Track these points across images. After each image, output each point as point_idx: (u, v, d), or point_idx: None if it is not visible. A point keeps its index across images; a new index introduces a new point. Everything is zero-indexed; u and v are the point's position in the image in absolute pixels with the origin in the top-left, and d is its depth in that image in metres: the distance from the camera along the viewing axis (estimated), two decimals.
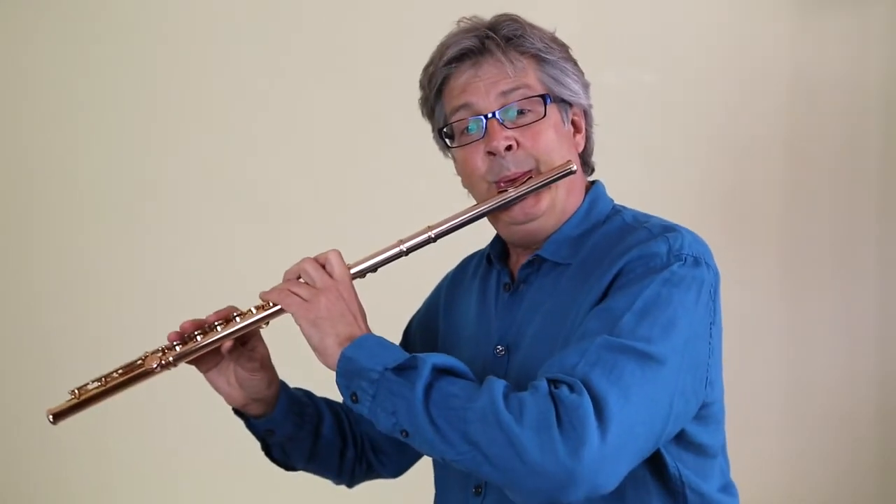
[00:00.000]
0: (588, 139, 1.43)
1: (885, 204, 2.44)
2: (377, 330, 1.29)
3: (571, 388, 1.13)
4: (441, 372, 1.19)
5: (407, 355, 1.20)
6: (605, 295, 1.26)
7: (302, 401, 1.49)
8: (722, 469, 1.36)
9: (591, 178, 1.46)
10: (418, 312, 1.63)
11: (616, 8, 2.56)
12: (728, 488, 1.36)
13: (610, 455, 1.11)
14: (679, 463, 1.28)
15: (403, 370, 1.18)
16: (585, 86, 1.42)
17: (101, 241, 2.78)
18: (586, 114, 1.43)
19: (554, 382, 1.15)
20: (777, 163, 2.48)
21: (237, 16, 2.71)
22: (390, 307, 1.62)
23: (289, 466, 1.53)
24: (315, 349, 1.25)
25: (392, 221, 2.42)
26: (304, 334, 1.25)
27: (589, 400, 1.12)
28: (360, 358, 1.20)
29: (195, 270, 2.69)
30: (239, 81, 2.71)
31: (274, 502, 2.50)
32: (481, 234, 1.52)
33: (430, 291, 1.64)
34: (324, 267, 1.30)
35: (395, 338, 1.59)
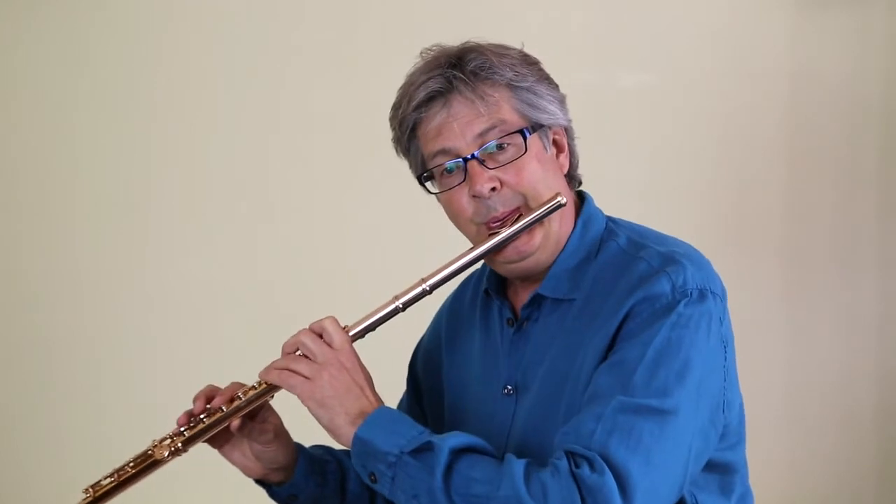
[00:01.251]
0: (572, 154, 1.38)
1: (885, 204, 2.44)
2: (381, 379, 1.27)
3: (592, 466, 1.11)
4: (460, 452, 1.17)
5: (423, 436, 1.18)
6: (612, 340, 1.24)
7: (323, 459, 1.46)
8: (743, 479, 1.35)
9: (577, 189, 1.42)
10: (421, 343, 1.59)
11: (615, 8, 2.52)
12: (745, 497, 1.35)
13: None
14: (700, 492, 1.27)
15: (421, 452, 1.16)
16: (562, 101, 1.36)
17: (101, 242, 2.74)
18: (567, 130, 1.37)
19: (574, 459, 1.13)
20: (777, 163, 2.47)
21: (241, 15, 2.67)
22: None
23: None
24: (326, 429, 1.23)
25: (398, 226, 2.49)
26: (312, 414, 1.23)
27: (611, 477, 1.11)
28: (374, 439, 1.18)
29: (195, 272, 2.66)
30: (240, 81, 2.67)
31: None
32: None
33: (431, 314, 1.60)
34: (321, 337, 1.26)
35: (399, 382, 1.59)
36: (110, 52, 2.71)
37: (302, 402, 1.23)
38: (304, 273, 2.57)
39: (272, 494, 1.44)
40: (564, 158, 1.36)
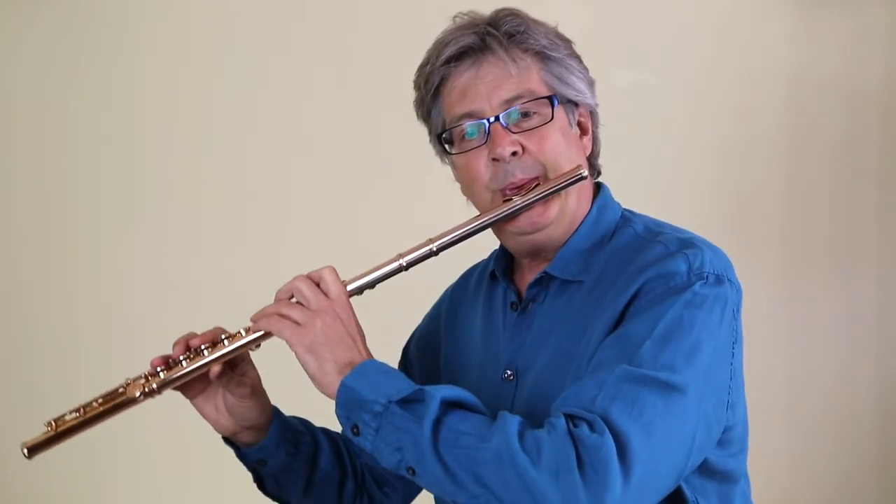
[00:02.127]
0: (595, 141, 1.36)
1: (884, 203, 2.43)
2: (376, 352, 1.22)
3: (592, 427, 1.05)
4: (450, 405, 1.11)
5: (413, 386, 1.12)
6: (621, 317, 1.18)
7: (297, 429, 1.41)
8: (744, 492, 1.30)
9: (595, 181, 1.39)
10: (417, 329, 1.55)
11: (615, 8, 2.52)
12: None
13: (633, 498, 1.05)
14: (700, 496, 1.21)
15: (409, 403, 1.10)
16: (591, 83, 1.35)
17: (97, 244, 2.72)
18: (592, 114, 1.36)
19: (572, 419, 1.07)
20: (776, 163, 2.46)
21: (238, 15, 2.68)
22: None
23: (284, 500, 1.44)
24: (312, 377, 1.16)
25: (399, 225, 2.45)
26: (299, 361, 1.17)
27: (611, 439, 1.04)
28: (361, 388, 1.12)
29: (189, 274, 2.65)
30: (239, 82, 2.67)
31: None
32: (480, 248, 1.46)
33: (430, 307, 1.56)
34: (318, 285, 1.21)
35: (394, 360, 1.53)
36: (107, 52, 2.71)
37: (291, 348, 1.17)
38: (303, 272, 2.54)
39: (240, 456, 1.38)
40: (588, 141, 1.34)
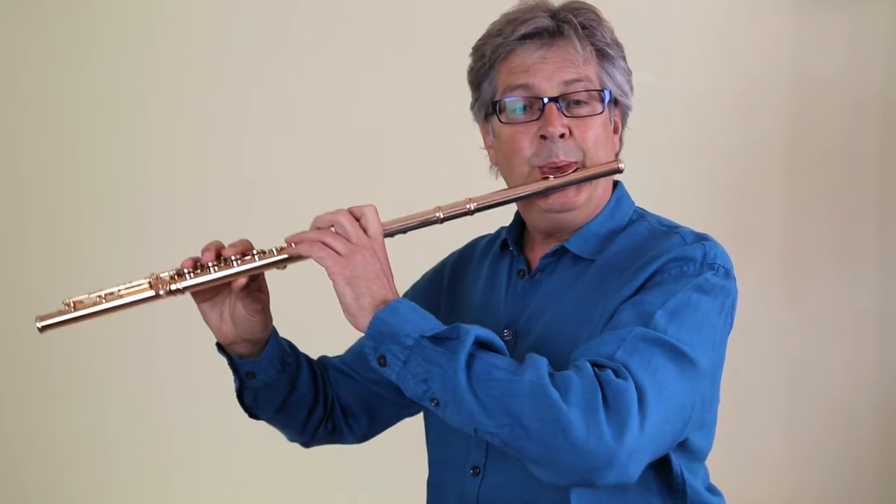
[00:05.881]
0: (620, 140, 1.44)
1: (885, 203, 2.43)
2: None
3: (616, 373, 1.13)
4: (482, 345, 1.17)
5: (444, 326, 1.18)
6: (638, 290, 1.26)
7: (285, 349, 1.43)
8: (705, 472, 1.39)
9: None
10: (416, 285, 1.59)
11: (615, 8, 2.49)
12: (712, 489, 1.39)
13: (645, 444, 1.12)
14: (676, 458, 1.30)
15: (442, 340, 1.16)
16: (632, 87, 1.42)
17: (100, 240, 2.73)
18: (625, 115, 1.42)
19: (598, 366, 1.14)
20: (776, 163, 2.47)
21: (240, 12, 2.65)
22: None
23: (254, 415, 1.47)
24: (346, 308, 1.21)
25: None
26: (336, 290, 1.21)
27: (633, 386, 1.12)
28: (394, 322, 1.17)
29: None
30: (241, 79, 2.65)
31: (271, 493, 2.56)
32: (478, 227, 1.52)
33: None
34: (358, 221, 1.25)
35: None
36: (108, 51, 2.70)
37: (329, 275, 1.21)
38: (304, 271, 2.51)
39: (232, 365, 1.40)
40: (617, 139, 1.41)
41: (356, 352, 1.55)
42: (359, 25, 2.61)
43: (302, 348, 1.49)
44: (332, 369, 1.54)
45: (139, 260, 2.55)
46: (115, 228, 2.73)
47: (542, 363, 1.14)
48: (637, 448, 1.11)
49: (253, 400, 1.43)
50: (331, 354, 1.58)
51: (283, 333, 1.44)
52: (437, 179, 2.30)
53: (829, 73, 2.42)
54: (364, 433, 1.57)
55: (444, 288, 1.53)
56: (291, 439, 1.54)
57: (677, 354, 1.18)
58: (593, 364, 1.14)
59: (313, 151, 2.64)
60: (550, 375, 1.13)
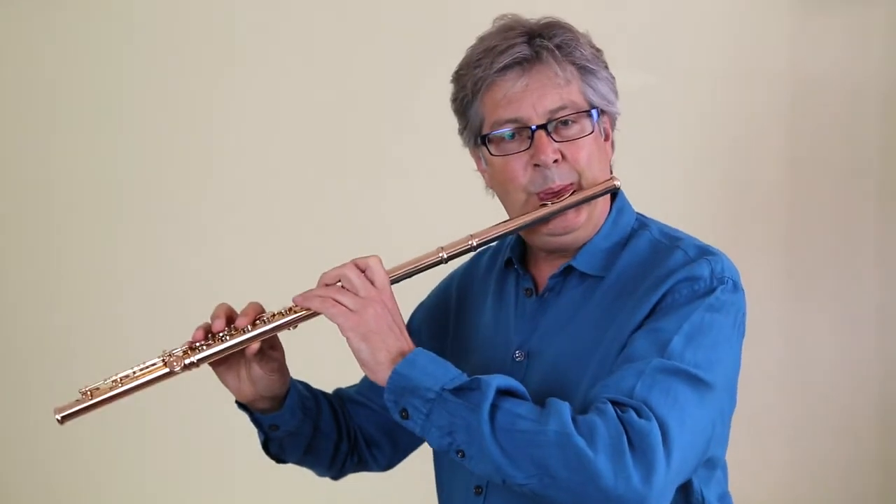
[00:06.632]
0: (612, 144, 1.42)
1: (885, 202, 2.44)
2: None
3: (639, 413, 1.14)
4: (504, 393, 1.17)
5: (466, 376, 1.18)
6: (650, 314, 1.27)
7: (304, 395, 1.44)
8: (720, 479, 1.40)
9: None
10: (422, 307, 1.58)
11: (615, 8, 2.49)
12: (724, 498, 1.40)
13: (672, 479, 1.15)
14: (695, 477, 1.31)
15: (463, 391, 1.16)
16: (616, 92, 1.40)
17: (103, 241, 2.71)
18: (613, 120, 1.41)
19: (619, 406, 1.15)
20: (777, 163, 2.47)
21: (243, 13, 2.63)
22: None
23: (281, 460, 1.48)
24: (363, 363, 1.22)
25: (401, 226, 2.44)
26: (351, 346, 1.22)
27: (657, 426, 1.13)
28: (413, 375, 1.18)
29: (198, 273, 2.63)
30: (243, 79, 2.63)
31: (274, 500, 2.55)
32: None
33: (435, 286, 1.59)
34: (364, 273, 1.25)
35: None
36: (109, 50, 2.68)
37: (343, 332, 1.22)
38: (305, 273, 2.50)
39: (254, 420, 1.41)
40: (609, 147, 1.40)
41: (369, 381, 1.55)
42: (359, 25, 2.59)
43: (312, 380, 1.50)
44: (349, 402, 1.55)
45: (138, 259, 2.65)
46: (115, 229, 2.72)
47: (565, 409, 1.15)
48: (665, 485, 1.14)
49: (279, 448, 1.44)
50: (340, 381, 1.59)
51: (289, 362, 1.43)
52: (438, 179, 2.30)
53: (829, 73, 2.42)
54: (388, 461, 1.58)
55: (452, 306, 1.53)
56: (321, 475, 1.55)
57: (695, 382, 1.19)
58: (615, 404, 1.15)
59: (313, 152, 2.62)
60: (574, 421, 1.13)
